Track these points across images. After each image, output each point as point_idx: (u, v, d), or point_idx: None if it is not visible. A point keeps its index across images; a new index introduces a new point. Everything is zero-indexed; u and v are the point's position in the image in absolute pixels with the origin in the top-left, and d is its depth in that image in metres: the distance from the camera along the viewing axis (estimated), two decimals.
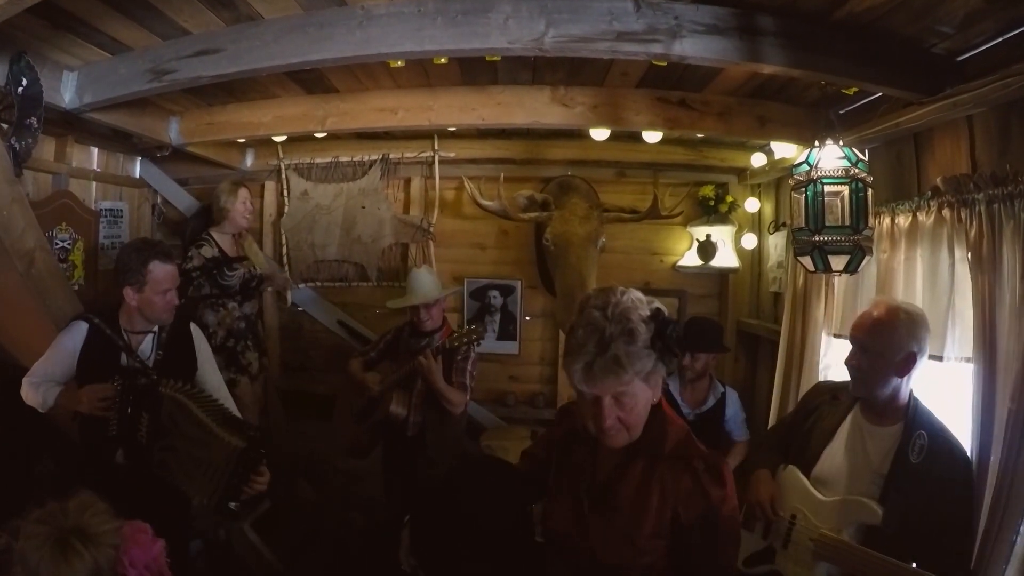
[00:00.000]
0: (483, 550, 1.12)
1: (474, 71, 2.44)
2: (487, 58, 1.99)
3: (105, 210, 3.31)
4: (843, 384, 1.80)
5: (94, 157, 3.30)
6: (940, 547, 1.49)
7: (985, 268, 1.64)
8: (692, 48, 1.78)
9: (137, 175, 3.63)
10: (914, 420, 1.60)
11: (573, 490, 1.31)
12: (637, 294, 1.23)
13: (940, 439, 1.58)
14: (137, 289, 1.99)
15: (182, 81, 2.10)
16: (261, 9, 1.89)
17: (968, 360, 1.73)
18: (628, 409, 1.18)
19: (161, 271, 2.01)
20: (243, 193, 3.14)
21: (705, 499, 1.18)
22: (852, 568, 1.52)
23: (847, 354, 1.73)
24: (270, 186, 3.70)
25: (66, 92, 2.23)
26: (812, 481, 1.69)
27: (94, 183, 3.28)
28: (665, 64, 2.03)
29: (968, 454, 1.62)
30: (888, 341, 1.60)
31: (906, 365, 1.60)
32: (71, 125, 2.85)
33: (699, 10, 1.77)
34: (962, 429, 1.67)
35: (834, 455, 1.70)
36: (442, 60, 2.01)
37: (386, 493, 2.84)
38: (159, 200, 3.76)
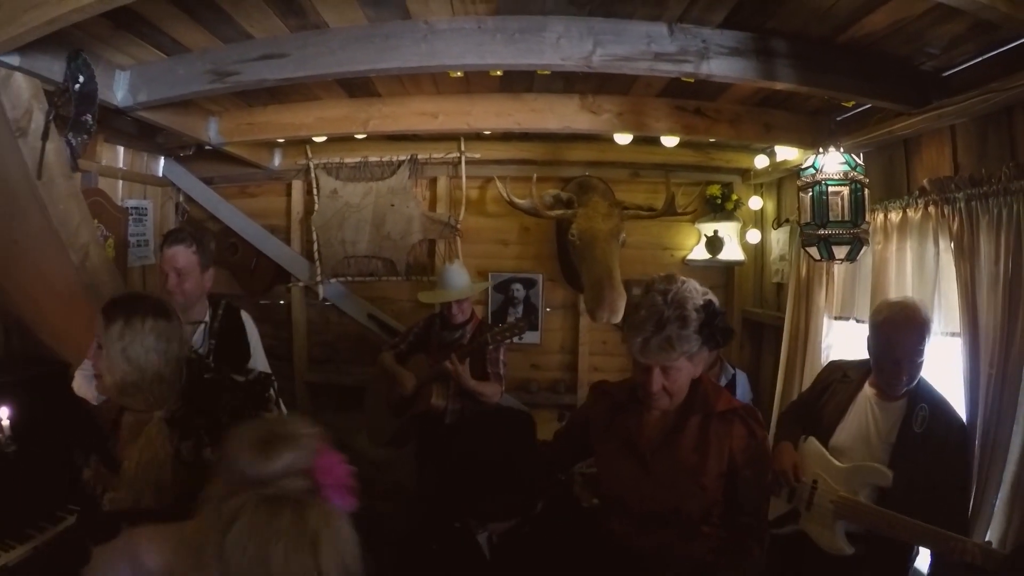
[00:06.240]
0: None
1: (512, 79, 2.59)
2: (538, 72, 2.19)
3: (131, 208, 3.32)
4: (852, 363, 2.01)
5: (120, 156, 3.29)
6: (940, 503, 1.67)
7: (966, 256, 1.92)
8: (717, 68, 2.01)
9: (160, 174, 3.67)
10: (917, 394, 1.78)
11: (628, 452, 1.51)
12: (694, 284, 1.44)
13: (940, 410, 1.77)
14: (159, 270, 2.09)
15: (246, 83, 2.17)
16: (328, 18, 1.97)
17: (954, 335, 2.00)
18: (672, 380, 1.43)
19: (166, 253, 2.10)
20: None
21: (754, 439, 1.45)
22: (867, 525, 1.70)
23: (895, 370, 1.77)
24: (297, 185, 3.80)
25: (118, 90, 2.25)
26: (830, 451, 1.85)
27: (120, 181, 3.28)
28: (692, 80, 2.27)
29: (964, 422, 1.81)
30: (923, 343, 1.77)
31: None
32: (101, 124, 2.75)
33: (723, 34, 1.99)
34: (951, 394, 1.90)
35: (848, 427, 1.87)
36: (497, 72, 2.22)
37: (417, 481, 2.84)
38: (182, 198, 3.80)
